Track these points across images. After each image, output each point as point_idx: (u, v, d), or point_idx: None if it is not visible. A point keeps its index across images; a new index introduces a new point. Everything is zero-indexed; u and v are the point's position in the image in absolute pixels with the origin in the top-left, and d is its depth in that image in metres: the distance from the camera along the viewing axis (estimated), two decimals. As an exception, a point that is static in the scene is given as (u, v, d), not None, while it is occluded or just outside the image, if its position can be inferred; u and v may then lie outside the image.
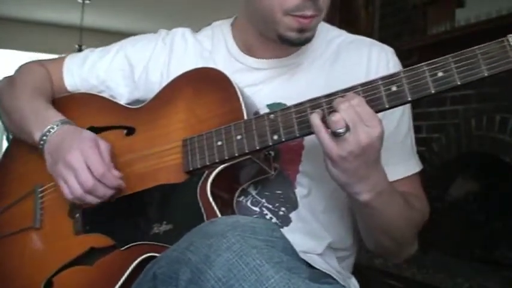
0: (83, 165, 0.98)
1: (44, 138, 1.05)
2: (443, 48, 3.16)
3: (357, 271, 1.18)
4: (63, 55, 1.28)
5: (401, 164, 1.07)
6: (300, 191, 1.06)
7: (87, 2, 6.72)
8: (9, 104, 1.17)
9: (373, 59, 1.08)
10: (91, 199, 1.00)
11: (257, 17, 1.06)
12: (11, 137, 1.26)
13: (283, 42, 1.03)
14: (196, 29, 1.23)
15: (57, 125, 1.06)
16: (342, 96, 0.87)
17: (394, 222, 0.97)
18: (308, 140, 1.04)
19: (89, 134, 1.03)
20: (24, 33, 7.65)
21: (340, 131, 0.84)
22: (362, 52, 1.09)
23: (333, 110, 0.87)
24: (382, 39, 3.86)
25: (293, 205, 1.06)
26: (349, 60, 1.09)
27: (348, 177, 0.88)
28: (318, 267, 1.03)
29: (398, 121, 1.08)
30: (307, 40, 1.03)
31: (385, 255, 1.11)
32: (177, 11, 6.69)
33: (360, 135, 0.84)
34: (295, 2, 0.97)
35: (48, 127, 1.05)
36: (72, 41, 6.80)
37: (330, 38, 1.13)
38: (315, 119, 0.87)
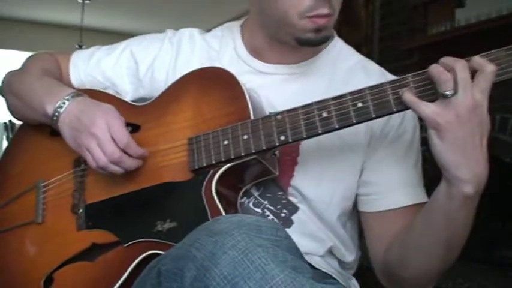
0: (107, 136, 0.99)
1: (59, 110, 1.05)
2: (443, 48, 3.18)
3: (357, 272, 1.18)
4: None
5: (417, 188, 1.07)
6: (292, 200, 1.06)
7: (87, 2, 6.73)
8: (18, 84, 1.17)
9: None
10: (115, 169, 1.00)
11: (271, 22, 1.05)
12: (11, 136, 1.26)
13: (302, 45, 1.03)
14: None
15: (72, 97, 1.06)
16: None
17: (466, 230, 0.95)
18: (303, 156, 1.05)
19: (109, 105, 1.04)
20: (24, 33, 7.66)
21: (448, 92, 0.83)
22: (371, 81, 1.09)
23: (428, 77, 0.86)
24: (382, 39, 3.87)
25: (294, 207, 1.06)
26: (359, 86, 1.08)
27: (457, 156, 0.85)
28: (318, 268, 1.03)
29: (408, 147, 1.08)
30: (325, 39, 1.03)
31: (413, 283, 1.05)
32: (177, 11, 6.70)
33: (468, 96, 0.82)
34: (308, 2, 0.97)
35: (62, 99, 1.06)
36: (72, 41, 6.80)
37: (342, 57, 1.13)
38: (409, 96, 0.86)
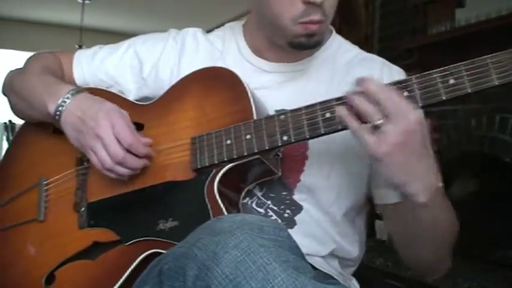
0: (111, 137, 0.98)
1: (60, 109, 1.05)
2: (443, 48, 3.18)
3: (357, 271, 1.18)
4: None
5: None
6: (298, 198, 1.06)
7: (87, 2, 6.72)
8: (19, 83, 1.17)
9: (384, 80, 1.08)
10: (122, 171, 1.00)
11: (266, 24, 1.07)
12: (11, 137, 1.26)
13: (294, 48, 1.04)
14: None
15: (72, 94, 1.05)
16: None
17: (441, 227, 0.96)
18: (312, 150, 1.05)
19: (111, 104, 1.03)
20: (24, 33, 7.66)
21: (379, 122, 0.83)
22: (373, 72, 1.10)
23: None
24: (382, 39, 3.88)
25: (298, 208, 1.06)
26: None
27: (402, 176, 0.86)
28: (319, 268, 1.04)
29: None
30: (317, 43, 1.05)
31: (423, 269, 1.08)
32: (177, 11, 6.70)
33: (399, 123, 0.82)
34: (301, 8, 0.99)
35: (63, 98, 1.05)
36: (72, 41, 6.80)
37: (342, 51, 1.14)
38: (352, 122, 0.86)
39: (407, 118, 0.82)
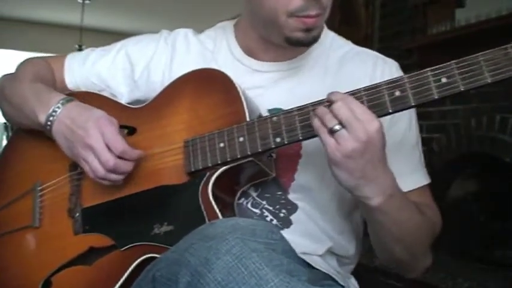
0: (102, 145, 0.98)
1: (51, 119, 1.04)
2: (443, 48, 3.18)
3: (357, 271, 1.18)
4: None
5: (408, 176, 1.05)
6: (293, 198, 1.06)
7: (87, 2, 6.72)
8: (10, 90, 1.16)
9: (377, 73, 1.08)
10: (115, 177, 1.00)
11: (260, 21, 1.06)
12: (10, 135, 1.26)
13: (292, 44, 1.03)
14: (196, 29, 1.23)
15: (62, 104, 1.05)
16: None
17: (406, 228, 0.96)
18: (306, 149, 1.04)
19: (100, 112, 1.03)
20: (24, 33, 7.66)
21: (336, 127, 0.84)
22: (366, 65, 1.09)
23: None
24: (382, 39, 3.85)
25: (294, 207, 1.06)
26: (353, 72, 1.08)
27: (356, 179, 0.87)
28: (317, 267, 1.03)
29: (402, 135, 1.08)
30: (315, 39, 1.03)
31: (400, 267, 1.09)
32: (177, 11, 6.69)
33: (357, 131, 0.84)
34: (298, 3, 0.97)
35: (53, 107, 1.04)
36: (72, 41, 6.80)
37: (335, 47, 1.13)
38: (317, 121, 0.87)
39: (365, 128, 0.84)
